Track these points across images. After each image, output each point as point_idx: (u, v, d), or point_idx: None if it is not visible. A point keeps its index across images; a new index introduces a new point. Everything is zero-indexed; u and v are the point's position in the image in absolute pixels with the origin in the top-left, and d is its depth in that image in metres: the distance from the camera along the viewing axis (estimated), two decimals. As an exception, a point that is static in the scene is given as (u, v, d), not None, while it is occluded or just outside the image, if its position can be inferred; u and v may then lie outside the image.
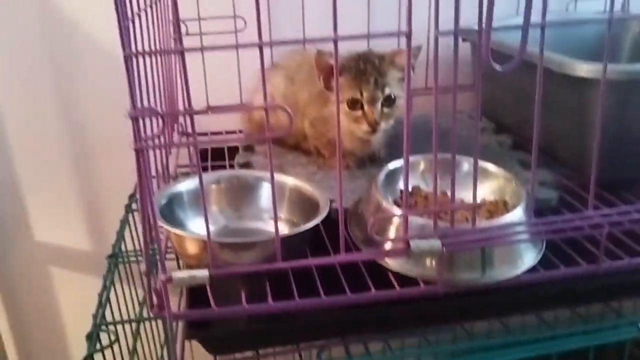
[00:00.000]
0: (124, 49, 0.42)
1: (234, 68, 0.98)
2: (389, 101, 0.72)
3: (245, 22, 0.95)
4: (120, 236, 0.81)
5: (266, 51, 0.97)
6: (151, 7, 0.67)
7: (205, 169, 0.85)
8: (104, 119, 1.02)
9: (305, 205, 0.62)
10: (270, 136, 0.46)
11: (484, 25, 0.45)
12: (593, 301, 0.61)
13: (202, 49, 0.43)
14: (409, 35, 0.44)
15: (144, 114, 0.44)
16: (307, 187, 0.63)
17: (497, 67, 0.46)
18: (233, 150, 0.90)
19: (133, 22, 0.53)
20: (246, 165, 0.81)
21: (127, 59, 0.42)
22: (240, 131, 0.99)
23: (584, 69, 0.65)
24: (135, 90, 0.43)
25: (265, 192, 0.65)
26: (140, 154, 0.44)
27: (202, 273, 0.48)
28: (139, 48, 0.59)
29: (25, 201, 1.06)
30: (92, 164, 1.06)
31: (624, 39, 1.03)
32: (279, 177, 0.63)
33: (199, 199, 0.52)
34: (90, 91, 1.01)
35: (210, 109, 1.01)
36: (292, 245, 0.53)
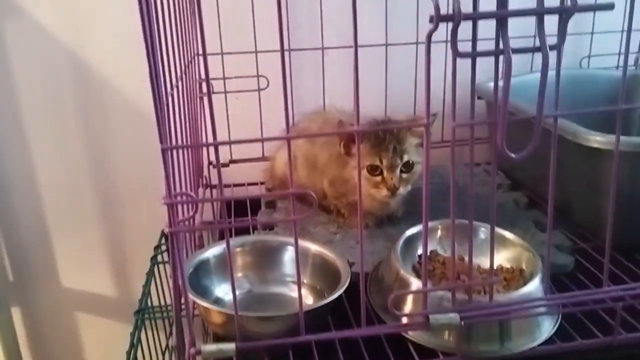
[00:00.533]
0: (161, 142, 0.45)
1: (257, 120, 1.02)
2: (408, 167, 0.74)
3: (268, 82, 0.99)
4: (147, 291, 0.83)
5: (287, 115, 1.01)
6: (182, 79, 0.71)
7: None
8: (131, 171, 1.06)
9: (327, 271, 0.65)
10: (296, 219, 0.49)
11: (499, 119, 0.48)
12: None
13: (230, 142, 0.46)
14: (427, 127, 0.47)
15: (178, 200, 0.47)
16: (329, 253, 0.66)
17: (512, 155, 0.49)
18: (256, 201, 0.94)
19: (167, 105, 0.56)
20: (269, 224, 0.83)
21: (164, 152, 0.45)
22: (262, 183, 1.03)
23: (597, 141, 0.67)
24: (170, 180, 0.46)
25: (288, 257, 0.68)
26: (174, 236, 0.47)
27: (229, 346, 0.50)
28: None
29: (54, 248, 1.10)
30: (120, 213, 1.09)
31: (637, 96, 1.05)
32: (303, 242, 0.65)
33: (225, 265, 0.55)
34: (119, 144, 1.05)
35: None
36: (315, 316, 0.56)
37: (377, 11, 1.02)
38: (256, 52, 0.99)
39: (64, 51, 0.98)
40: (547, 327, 0.59)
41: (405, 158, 0.74)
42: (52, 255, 1.10)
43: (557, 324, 0.59)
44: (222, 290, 0.64)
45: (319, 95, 1.03)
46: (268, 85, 0.99)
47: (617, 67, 1.11)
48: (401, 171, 0.74)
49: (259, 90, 1.00)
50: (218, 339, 0.60)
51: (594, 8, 0.47)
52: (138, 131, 1.03)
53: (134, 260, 1.12)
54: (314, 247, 0.67)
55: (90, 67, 0.99)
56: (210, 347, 0.50)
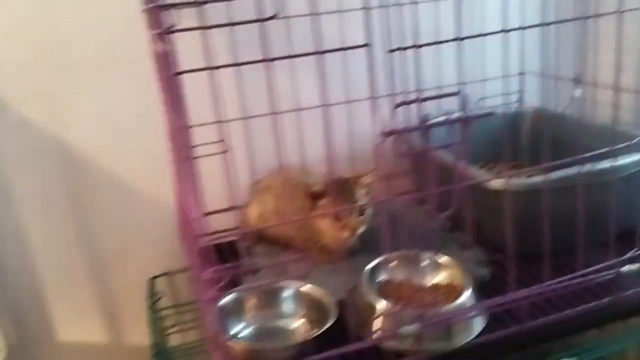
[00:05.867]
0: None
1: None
2: (361, 211, 0.98)
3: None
4: (162, 334, 0.99)
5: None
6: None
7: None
8: (115, 235, 1.24)
9: (317, 304, 0.87)
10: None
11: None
12: (524, 349, 0.85)
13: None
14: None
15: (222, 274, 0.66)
16: (315, 290, 0.88)
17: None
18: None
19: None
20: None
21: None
22: (238, 227, 1.21)
23: (495, 183, 0.92)
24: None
25: (285, 297, 0.90)
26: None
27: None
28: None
29: (50, 306, 1.24)
30: (108, 271, 1.26)
31: (522, 128, 1.34)
32: (295, 284, 0.89)
33: (236, 309, 0.81)
34: (105, 215, 1.22)
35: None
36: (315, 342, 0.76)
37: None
38: (220, 121, 1.17)
39: (49, 139, 1.13)
40: (478, 325, 0.82)
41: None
42: (49, 312, 1.23)
43: (486, 321, 0.82)
44: (237, 329, 0.83)
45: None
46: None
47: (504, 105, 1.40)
48: (357, 215, 0.97)
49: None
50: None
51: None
52: (119, 202, 1.22)
53: (125, 312, 1.28)
54: (304, 288, 0.89)
55: (75, 150, 1.15)
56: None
